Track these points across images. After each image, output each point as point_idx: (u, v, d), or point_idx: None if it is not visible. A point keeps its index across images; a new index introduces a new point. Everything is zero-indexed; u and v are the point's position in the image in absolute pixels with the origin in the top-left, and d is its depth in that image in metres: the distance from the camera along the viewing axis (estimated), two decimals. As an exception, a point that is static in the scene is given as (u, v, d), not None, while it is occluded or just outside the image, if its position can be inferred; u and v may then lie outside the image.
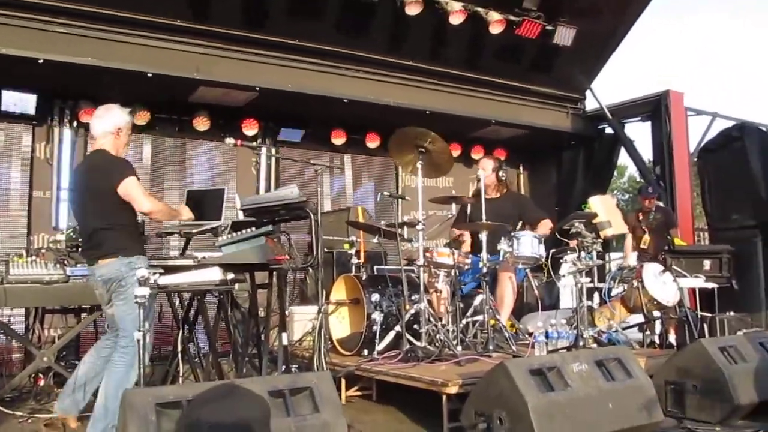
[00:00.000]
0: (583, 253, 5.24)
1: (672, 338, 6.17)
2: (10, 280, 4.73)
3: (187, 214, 4.43)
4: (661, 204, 7.76)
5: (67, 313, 5.46)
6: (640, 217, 7.45)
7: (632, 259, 6.79)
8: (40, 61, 5.99)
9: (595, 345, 5.18)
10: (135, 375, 3.87)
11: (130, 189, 3.97)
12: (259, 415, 1.59)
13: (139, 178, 4.09)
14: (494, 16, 7.67)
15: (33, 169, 7.03)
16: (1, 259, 5.03)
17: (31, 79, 6.59)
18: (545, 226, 5.88)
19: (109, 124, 4.16)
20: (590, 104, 9.52)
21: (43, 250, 5.04)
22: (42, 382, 5.14)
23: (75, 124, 7.17)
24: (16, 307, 5.48)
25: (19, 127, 7.01)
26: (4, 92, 6.70)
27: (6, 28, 5.86)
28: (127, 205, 4.01)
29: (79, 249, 4.84)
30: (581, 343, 5.01)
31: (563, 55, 8.44)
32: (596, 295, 6.55)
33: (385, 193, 5.65)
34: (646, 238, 7.32)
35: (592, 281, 6.33)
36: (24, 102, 6.82)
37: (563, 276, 5.87)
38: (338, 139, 8.47)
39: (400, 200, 7.43)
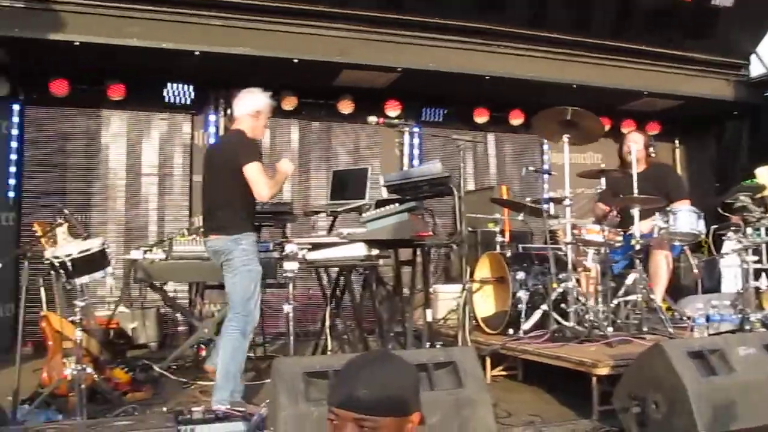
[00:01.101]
0: (749, 230, 4.82)
1: None
2: (174, 257, 5.09)
3: (286, 164, 4.37)
4: None
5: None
6: None
7: None
8: (196, 53, 6.36)
9: (763, 330, 4.75)
10: (247, 342, 4.13)
11: (254, 173, 4.08)
12: (413, 380, 1.58)
13: (262, 164, 4.20)
14: (645, -21, 7.21)
15: (192, 156, 7.53)
16: (167, 237, 5.42)
17: (188, 71, 7.02)
18: (681, 204, 5.39)
19: (250, 106, 4.36)
20: (756, 70, 8.72)
21: (202, 229, 5.35)
22: (203, 353, 5.49)
23: (229, 112, 7.56)
24: (179, 281, 5.90)
25: (179, 116, 7.54)
26: (167, 84, 7.22)
27: (165, 23, 6.29)
28: (246, 186, 4.12)
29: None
30: (747, 327, 4.61)
31: (723, 17, 7.79)
32: (764, 276, 6.01)
33: (530, 167, 5.48)
34: None
35: (759, 260, 5.81)
36: (183, 93, 7.34)
37: (726, 255, 5.42)
38: (481, 117, 8.35)
39: (546, 177, 7.23)
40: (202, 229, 4.59)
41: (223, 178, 4.22)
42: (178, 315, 6.59)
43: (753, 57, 8.64)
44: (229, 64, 6.65)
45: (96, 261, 3.87)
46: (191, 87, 7.32)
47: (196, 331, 5.47)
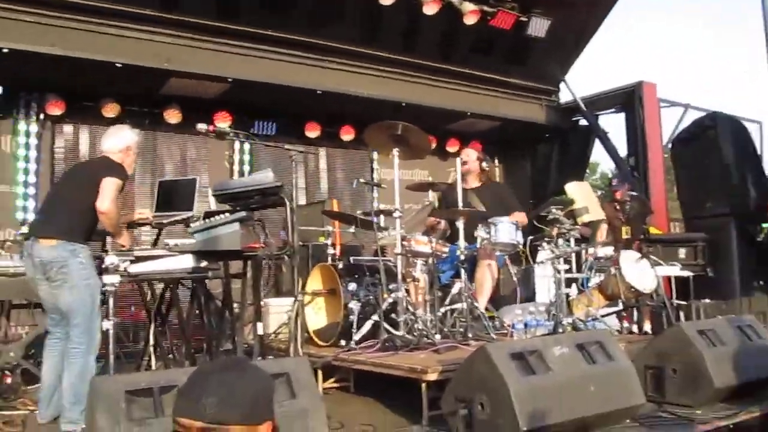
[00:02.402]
0: (560, 240, 5.21)
1: (647, 327, 6.14)
2: (-26, 273, 4.58)
3: (125, 239, 4.32)
4: (634, 193, 7.76)
5: (35, 308, 5.29)
6: (617, 207, 7.40)
7: (601, 250, 6.76)
8: (5, 51, 5.82)
9: (574, 332, 5.14)
10: (94, 361, 3.94)
11: (107, 184, 3.99)
12: (265, 388, 1.51)
13: (122, 189, 4.14)
14: (468, 6, 7.65)
15: (-2, 163, 6.86)
16: (-35, 252, 4.88)
17: (-6, 70, 6.41)
18: (518, 218, 5.78)
19: (120, 142, 4.31)
20: (564, 96, 9.59)
21: (8, 243, 4.87)
22: (9, 380, 4.96)
23: (41, 116, 6.99)
24: (-21, 300, 5.31)
25: (-18, 119, 6.84)
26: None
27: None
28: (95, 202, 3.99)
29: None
30: (560, 331, 4.97)
31: (537, 46, 8.46)
32: (574, 285, 6.53)
33: (361, 179, 5.55)
34: (626, 228, 7.25)
35: (569, 270, 6.30)
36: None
37: (541, 263, 5.83)
38: (312, 131, 8.39)
39: (375, 191, 7.38)
40: (25, 235, 4.18)
41: (78, 185, 4.11)
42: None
43: (562, 84, 9.45)
44: (44, 64, 6.14)
45: None
46: (-1, 88, 6.68)
47: (1, 356, 4.94)
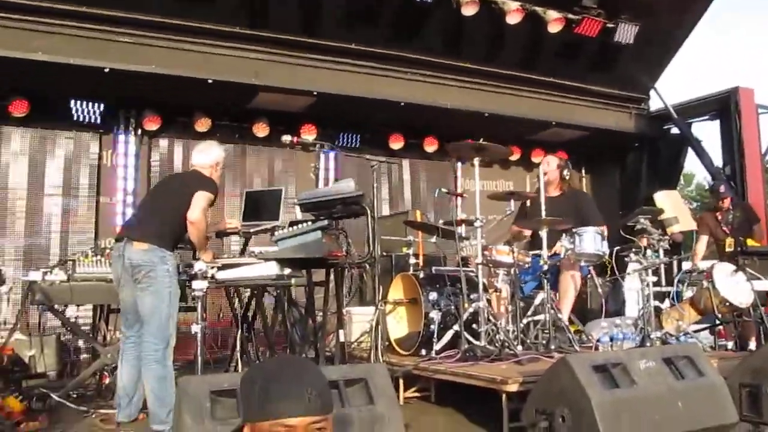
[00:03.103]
0: (649, 251, 5.04)
1: (752, 345, 5.81)
2: (77, 278, 4.86)
3: (209, 256, 4.38)
4: (737, 201, 7.31)
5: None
6: (719, 218, 6.86)
7: (701, 263, 6.47)
8: (106, 70, 6.18)
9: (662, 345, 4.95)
10: (171, 363, 4.07)
11: (200, 198, 4.16)
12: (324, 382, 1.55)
13: (213, 203, 4.31)
14: (552, 14, 7.56)
15: (100, 176, 7.28)
16: (69, 258, 5.18)
17: (97, 89, 6.81)
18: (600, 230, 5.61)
19: (209, 158, 4.51)
20: (655, 104, 9.30)
21: (108, 250, 5.14)
22: (107, 380, 5.24)
23: (139, 132, 7.38)
24: (81, 304, 5.63)
25: (87, 135, 7.29)
26: (73, 102, 6.96)
27: (73, 39, 6.10)
28: (186, 212, 4.15)
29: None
30: (648, 345, 4.81)
31: (625, 53, 8.25)
32: (666, 300, 6.29)
33: (443, 189, 5.55)
34: (730, 240, 6.83)
35: (658, 283, 6.08)
36: (91, 111, 7.10)
37: (628, 274, 5.65)
38: (396, 143, 8.47)
39: (458, 202, 7.35)
40: (118, 237, 4.39)
41: (172, 196, 4.32)
42: (80, 341, 6.27)
43: (652, 92, 9.17)
44: (141, 82, 6.49)
45: (-12, 280, 3.65)
46: (100, 105, 7.09)
47: (99, 358, 5.21)
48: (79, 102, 7.01)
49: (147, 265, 4.06)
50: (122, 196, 7.27)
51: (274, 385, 1.47)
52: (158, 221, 4.22)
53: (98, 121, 7.19)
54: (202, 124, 7.44)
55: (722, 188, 6.90)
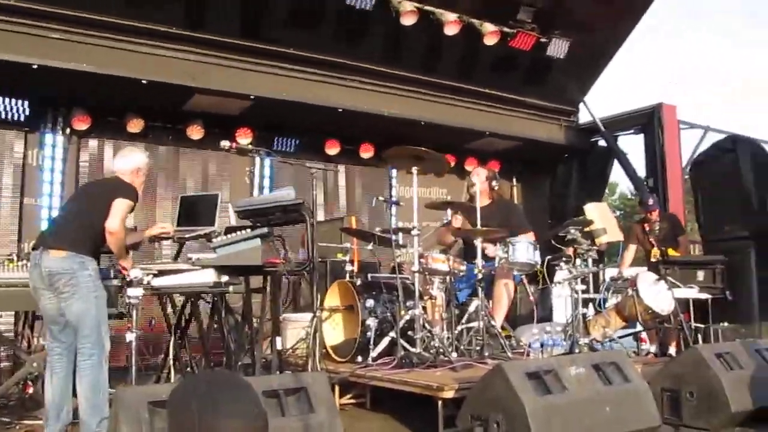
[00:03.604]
0: (578, 260, 5.23)
1: (672, 350, 6.08)
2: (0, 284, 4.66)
3: (128, 263, 4.27)
4: (665, 213, 7.61)
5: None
6: (647, 229, 7.10)
7: (627, 271, 6.73)
8: (35, 67, 5.95)
9: (590, 352, 5.14)
10: (106, 372, 3.97)
11: (118, 205, 4.04)
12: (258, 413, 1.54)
13: (133, 210, 4.23)
14: (488, 27, 7.71)
15: (24, 176, 7.00)
16: (-9, 263, 4.96)
17: (24, 86, 6.56)
18: (527, 237, 5.78)
19: (130, 164, 4.38)
20: (583, 117, 9.61)
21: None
22: (31, 389, 5.05)
23: (68, 131, 7.14)
24: (4, 310, 5.41)
25: (11, 133, 6.99)
26: (-3, 98, 6.70)
27: (1, 33, 5.83)
28: (106, 219, 4.05)
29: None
30: (577, 351, 4.98)
31: (557, 67, 8.50)
32: (591, 306, 6.53)
33: (380, 197, 5.61)
34: (656, 251, 7.11)
35: (586, 291, 6.29)
36: (16, 108, 6.83)
37: (558, 283, 5.84)
38: (332, 149, 8.47)
39: (394, 209, 7.43)
40: (34, 245, 4.26)
41: (91, 202, 4.18)
42: (2, 349, 6.02)
43: (582, 105, 9.49)
44: (71, 80, 6.27)
45: None
46: (26, 102, 6.82)
47: (24, 366, 5.02)
48: (3, 98, 6.72)
49: (67, 273, 3.93)
50: (48, 197, 7.01)
51: (219, 405, 1.46)
52: (77, 228, 4.09)
53: (23, 118, 6.92)
54: (135, 125, 7.25)
55: (650, 201, 7.16)
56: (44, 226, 6.85)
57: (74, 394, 4.14)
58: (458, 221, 5.53)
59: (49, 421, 4.12)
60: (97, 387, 3.90)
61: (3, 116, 6.82)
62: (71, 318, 3.98)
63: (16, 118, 6.88)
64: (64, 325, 4.07)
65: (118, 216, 4.03)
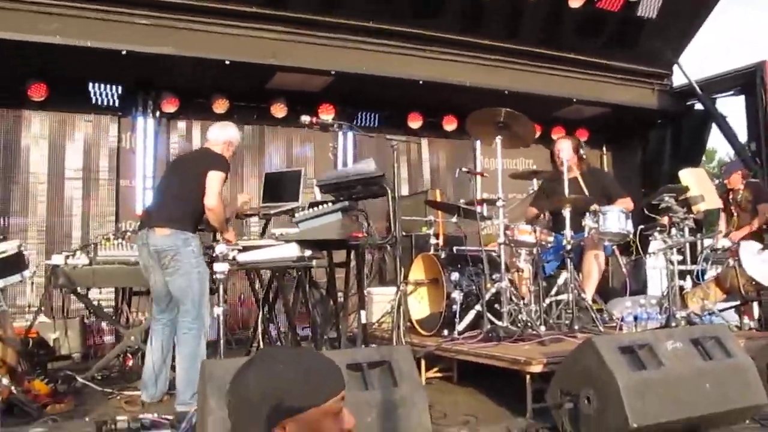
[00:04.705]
0: (674, 230, 4.96)
1: (776, 322, 5.74)
2: (99, 261, 4.88)
3: (231, 235, 4.49)
4: (751, 180, 7.24)
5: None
6: (730, 197, 6.96)
7: (720, 241, 6.39)
8: (124, 53, 6.14)
9: (688, 326, 4.89)
10: (204, 346, 4.14)
11: (213, 179, 4.19)
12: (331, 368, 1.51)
13: (227, 179, 4.32)
14: (574, -12, 7.39)
15: (119, 159, 7.29)
16: (91, 242, 5.20)
17: (115, 71, 6.79)
18: (624, 204, 5.53)
19: (225, 135, 4.56)
20: (678, 79, 9.07)
21: (129, 233, 5.16)
22: (130, 362, 5.28)
23: (158, 114, 7.36)
24: (103, 287, 5.66)
25: (106, 118, 7.29)
26: (91, 85, 6.96)
27: (89, 21, 6.04)
28: (203, 193, 4.20)
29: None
30: (673, 324, 4.74)
31: (647, 27, 8.08)
32: (688, 278, 6.21)
33: (464, 169, 5.49)
34: (736, 219, 6.85)
35: (683, 262, 6.00)
36: (109, 94, 7.10)
37: (653, 254, 5.57)
38: (415, 122, 8.39)
39: (478, 180, 7.30)
40: (139, 226, 4.45)
41: (186, 177, 4.34)
42: (104, 323, 6.32)
43: (675, 67, 8.98)
44: (158, 64, 6.46)
45: (12, 264, 3.68)
46: (118, 88, 7.08)
47: (123, 340, 5.25)
48: (97, 85, 7.00)
49: (171, 249, 4.11)
50: (142, 178, 7.28)
51: (311, 368, 1.43)
52: (176, 205, 4.25)
53: (117, 104, 7.19)
54: (220, 105, 7.40)
55: (724, 168, 6.89)
56: (139, 207, 7.13)
57: (173, 368, 4.32)
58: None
59: (146, 387, 4.33)
60: (194, 360, 4.04)
61: (98, 102, 7.11)
62: (175, 292, 4.18)
63: (109, 103, 7.17)
64: (170, 300, 4.24)
65: (214, 192, 4.17)
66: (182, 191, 4.29)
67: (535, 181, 5.25)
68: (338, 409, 1.41)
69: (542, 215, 5.76)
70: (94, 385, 4.81)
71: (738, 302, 5.63)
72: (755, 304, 5.60)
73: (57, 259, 4.90)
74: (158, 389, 4.35)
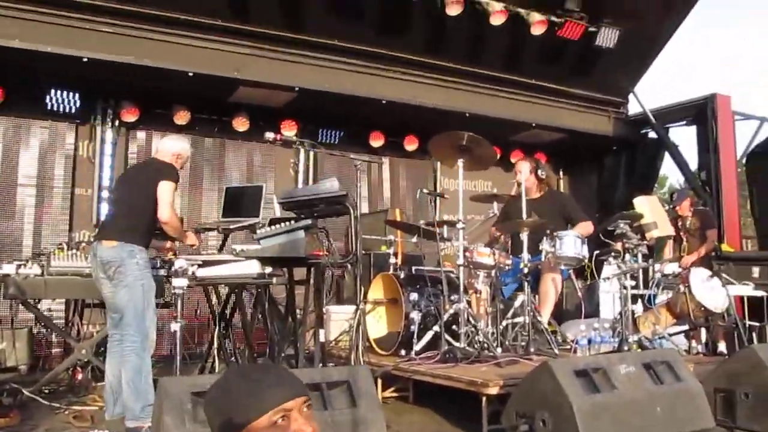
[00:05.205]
0: (627, 255, 5.08)
1: (722, 347, 5.90)
2: (51, 272, 4.77)
3: (192, 239, 4.56)
4: (699, 207, 7.51)
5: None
6: (679, 224, 7.19)
7: (668, 267, 6.57)
8: (85, 60, 6.05)
9: (640, 350, 5.00)
10: (148, 360, 4.09)
11: (164, 191, 4.19)
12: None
13: (176, 188, 4.33)
14: (536, 16, 7.56)
15: (75, 167, 7.14)
16: (43, 252, 5.08)
17: (75, 79, 6.68)
18: (584, 228, 5.67)
19: (176, 147, 4.56)
20: (633, 108, 9.36)
21: (83, 244, 5.06)
22: (80, 376, 5.15)
23: (117, 123, 7.26)
24: (55, 298, 5.54)
25: (63, 125, 7.14)
26: (50, 91, 6.83)
27: (51, 27, 5.96)
28: (154, 204, 4.19)
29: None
30: (626, 349, 4.84)
31: (606, 57, 8.29)
32: (639, 302, 6.35)
33: (425, 190, 5.54)
34: (686, 244, 7.10)
35: (635, 287, 6.14)
36: (67, 101, 6.97)
37: (607, 279, 5.69)
38: (376, 141, 8.44)
39: (438, 202, 7.36)
40: (93, 237, 4.42)
41: (136, 189, 4.31)
42: (53, 335, 6.16)
43: (631, 96, 9.25)
44: (120, 72, 6.36)
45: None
46: (77, 95, 6.96)
47: (73, 353, 5.12)
48: (55, 91, 6.87)
49: (116, 261, 4.08)
50: (98, 188, 7.15)
51: (257, 382, 1.46)
52: (126, 217, 4.24)
53: (75, 111, 7.06)
54: (182, 117, 7.33)
55: (674, 196, 7.14)
56: (95, 215, 7.00)
57: None
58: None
59: (108, 405, 4.23)
60: (138, 372, 4.00)
61: (55, 109, 6.97)
62: (119, 304, 4.12)
63: (67, 110, 7.03)
64: (119, 313, 4.17)
65: (166, 202, 4.17)
66: (132, 203, 4.28)
67: (495, 204, 5.32)
68: (281, 418, 1.44)
69: (502, 237, 5.83)
70: (41, 399, 4.68)
71: (687, 327, 5.78)
72: (703, 330, 5.77)
73: (8, 269, 4.77)
74: (119, 407, 4.24)
